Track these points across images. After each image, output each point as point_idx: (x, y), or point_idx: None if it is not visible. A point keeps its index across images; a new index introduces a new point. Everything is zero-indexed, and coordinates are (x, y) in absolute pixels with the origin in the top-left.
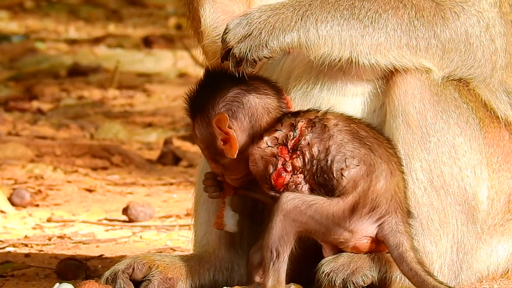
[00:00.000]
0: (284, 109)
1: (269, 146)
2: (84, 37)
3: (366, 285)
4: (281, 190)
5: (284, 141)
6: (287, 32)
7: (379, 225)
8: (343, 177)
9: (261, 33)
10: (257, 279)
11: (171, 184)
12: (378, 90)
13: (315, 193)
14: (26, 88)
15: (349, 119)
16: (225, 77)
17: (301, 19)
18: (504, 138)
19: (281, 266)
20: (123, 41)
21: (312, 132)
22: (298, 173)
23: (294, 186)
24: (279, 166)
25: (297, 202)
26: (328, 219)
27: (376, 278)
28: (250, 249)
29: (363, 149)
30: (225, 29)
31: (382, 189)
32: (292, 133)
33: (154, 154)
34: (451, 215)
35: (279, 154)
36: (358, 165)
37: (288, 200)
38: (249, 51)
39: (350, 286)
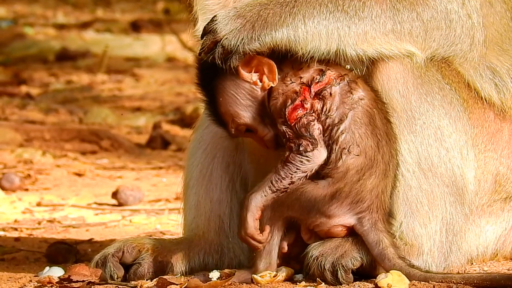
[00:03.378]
0: None
1: (292, 82)
2: (72, 22)
3: (355, 267)
4: (292, 124)
5: (309, 83)
6: (278, 28)
7: (358, 218)
8: (341, 158)
9: (253, 26)
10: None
11: (160, 168)
12: (364, 72)
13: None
14: (15, 73)
15: (375, 100)
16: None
17: (289, 15)
18: (488, 119)
19: (273, 249)
20: (111, 26)
21: (339, 85)
22: (314, 113)
23: (306, 122)
24: (297, 101)
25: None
26: (310, 201)
27: (365, 260)
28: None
29: (371, 140)
30: (213, 19)
31: (370, 186)
32: (319, 77)
33: (143, 138)
34: (439, 197)
35: (301, 93)
36: (358, 155)
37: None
38: (241, 43)
39: (339, 270)
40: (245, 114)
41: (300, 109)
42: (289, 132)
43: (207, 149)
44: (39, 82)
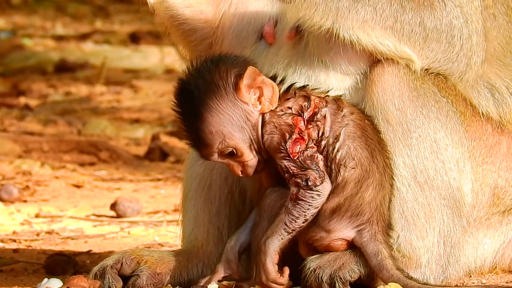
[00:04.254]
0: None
1: (284, 113)
2: (71, 33)
3: (353, 280)
4: (295, 158)
5: (299, 112)
6: None
7: (358, 231)
8: (339, 173)
9: None
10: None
11: (159, 179)
12: (359, 84)
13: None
14: (13, 84)
15: (362, 113)
16: (211, 63)
17: None
18: (486, 132)
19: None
20: (110, 37)
21: (327, 107)
22: (313, 143)
23: (310, 155)
24: (296, 135)
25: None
26: None
27: (363, 273)
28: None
29: (365, 151)
30: None
31: (369, 198)
32: (307, 103)
33: (141, 150)
34: (436, 210)
35: (294, 124)
36: (353, 168)
37: (274, 196)
38: None
39: (337, 282)
40: (238, 135)
41: (300, 141)
42: (292, 167)
43: (206, 161)
44: (37, 94)
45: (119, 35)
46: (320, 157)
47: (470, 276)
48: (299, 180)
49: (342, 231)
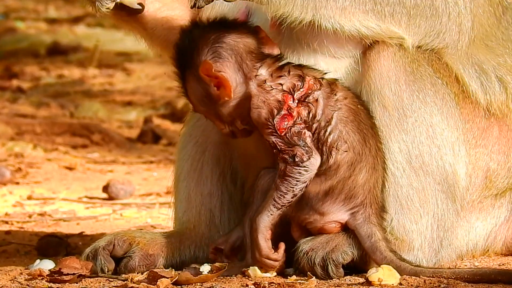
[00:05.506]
0: (264, 48)
1: (273, 89)
2: (63, 16)
3: (346, 262)
4: (283, 134)
5: (290, 90)
6: None
7: (352, 213)
8: (331, 156)
9: None
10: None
11: (151, 162)
12: (352, 68)
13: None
14: (6, 67)
15: (356, 98)
16: (201, 27)
17: None
18: (479, 114)
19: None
20: (102, 20)
21: (320, 90)
22: (301, 121)
23: (297, 131)
24: (284, 111)
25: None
26: (302, 198)
27: (356, 255)
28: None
29: (357, 135)
30: None
31: (362, 181)
32: (300, 83)
33: (134, 133)
34: (431, 195)
35: (284, 101)
36: (346, 151)
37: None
38: None
39: (330, 264)
40: (202, 108)
41: (288, 118)
42: (279, 143)
43: (198, 143)
44: (30, 76)
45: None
46: (308, 133)
47: (462, 259)
48: (286, 156)
49: (336, 214)
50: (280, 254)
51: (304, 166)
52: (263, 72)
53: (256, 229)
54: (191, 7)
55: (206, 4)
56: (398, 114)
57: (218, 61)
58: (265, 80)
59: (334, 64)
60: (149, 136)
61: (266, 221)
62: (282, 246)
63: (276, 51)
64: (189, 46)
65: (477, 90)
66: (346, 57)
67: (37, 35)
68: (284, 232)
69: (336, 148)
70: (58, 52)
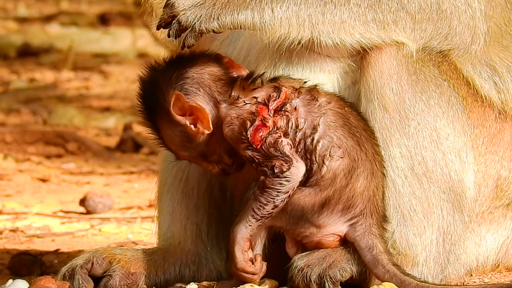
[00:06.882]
0: (232, 72)
1: (246, 104)
2: (35, 15)
3: (344, 279)
4: (258, 147)
5: (266, 101)
6: (242, 10)
7: (351, 225)
8: (324, 165)
9: (214, 4)
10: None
11: (132, 172)
12: (351, 66)
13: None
14: None
15: (341, 101)
16: (160, 70)
17: None
18: (489, 118)
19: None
20: (77, 19)
21: (299, 98)
22: (278, 130)
23: (273, 141)
24: (257, 122)
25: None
26: (296, 210)
27: (355, 272)
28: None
29: (350, 140)
30: None
31: (360, 189)
32: (276, 93)
33: (112, 141)
34: (435, 204)
35: (258, 112)
36: (341, 157)
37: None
38: (198, 21)
39: (327, 281)
40: (185, 153)
41: (262, 129)
42: (257, 156)
43: None
44: None
45: (87, 17)
46: (285, 141)
47: (471, 275)
48: (265, 169)
49: (334, 226)
50: (257, 267)
51: (285, 177)
52: (235, 93)
53: (233, 240)
54: (182, 49)
55: (196, 41)
56: (399, 116)
57: (187, 97)
58: (238, 97)
59: (333, 64)
60: (129, 145)
61: (244, 232)
62: (258, 257)
63: (244, 72)
64: (153, 92)
65: (490, 90)
66: (343, 57)
67: (6, 35)
68: (278, 247)
69: (329, 155)
70: (29, 53)
